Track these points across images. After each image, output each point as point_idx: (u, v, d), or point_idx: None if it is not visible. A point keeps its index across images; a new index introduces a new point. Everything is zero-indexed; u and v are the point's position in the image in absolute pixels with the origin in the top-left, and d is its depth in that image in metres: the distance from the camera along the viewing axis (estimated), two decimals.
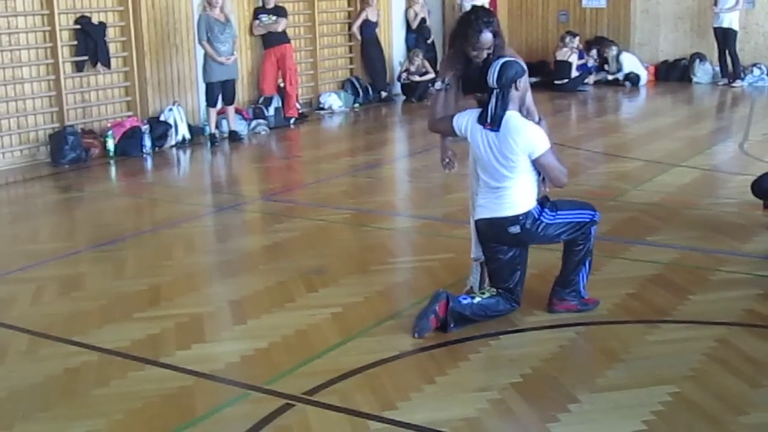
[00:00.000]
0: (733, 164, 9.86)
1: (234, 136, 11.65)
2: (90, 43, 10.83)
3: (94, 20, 10.93)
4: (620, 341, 5.02)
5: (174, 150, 11.23)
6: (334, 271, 6.32)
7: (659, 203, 7.98)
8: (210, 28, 11.16)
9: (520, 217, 5.10)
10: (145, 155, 10.81)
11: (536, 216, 5.13)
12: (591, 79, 16.34)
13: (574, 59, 15.76)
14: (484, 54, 5.20)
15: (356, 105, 14.52)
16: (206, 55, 11.29)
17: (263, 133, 12.24)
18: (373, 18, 14.76)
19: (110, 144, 10.72)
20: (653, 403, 4.21)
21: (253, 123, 12.31)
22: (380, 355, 4.82)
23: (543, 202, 5.19)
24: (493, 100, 5.01)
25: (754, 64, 15.98)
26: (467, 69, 5.34)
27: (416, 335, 5.02)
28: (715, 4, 15.62)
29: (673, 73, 16.70)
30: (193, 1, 11.74)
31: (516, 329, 5.16)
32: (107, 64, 11.04)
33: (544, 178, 5.22)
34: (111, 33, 11.19)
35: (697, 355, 4.73)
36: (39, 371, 4.78)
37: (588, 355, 4.95)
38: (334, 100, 14.18)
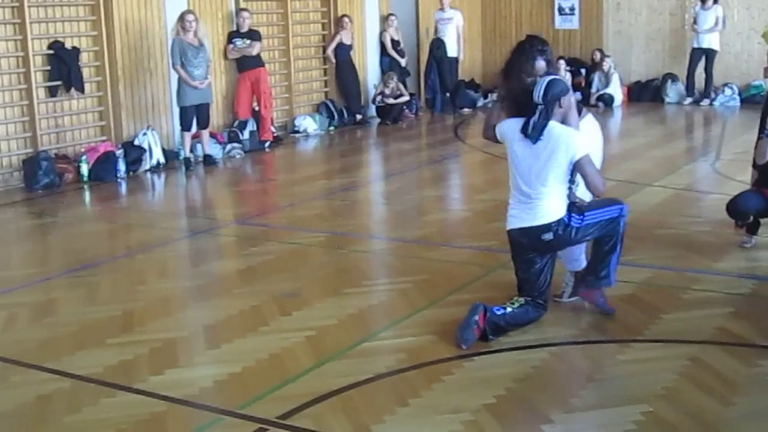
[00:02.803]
0: (705, 184, 9.95)
1: (208, 160, 11.64)
2: (63, 68, 10.79)
3: (68, 45, 10.89)
4: (593, 361, 5.05)
5: (148, 174, 11.19)
6: (308, 294, 6.31)
7: (632, 223, 7.89)
8: (183, 52, 11.16)
9: (553, 225, 5.30)
10: (119, 180, 10.75)
11: (566, 222, 5.32)
12: None
13: None
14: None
15: (331, 128, 14.52)
16: (180, 80, 11.29)
17: (238, 156, 12.23)
18: (347, 41, 14.81)
19: (84, 169, 10.67)
20: (626, 423, 4.23)
21: (228, 147, 12.30)
22: (354, 378, 4.81)
23: (569, 207, 5.37)
24: (537, 114, 5.23)
25: (726, 84, 16.15)
26: (517, 94, 5.48)
27: (463, 346, 5.13)
28: (695, 22, 15.81)
29: (645, 94, 16.86)
30: (166, 26, 11.73)
31: (490, 350, 5.16)
32: (81, 89, 11.00)
33: (570, 188, 5.38)
34: (85, 58, 11.16)
35: (669, 374, 4.76)
36: (11, 398, 4.75)
37: (561, 375, 4.96)
38: (309, 123, 14.18)
